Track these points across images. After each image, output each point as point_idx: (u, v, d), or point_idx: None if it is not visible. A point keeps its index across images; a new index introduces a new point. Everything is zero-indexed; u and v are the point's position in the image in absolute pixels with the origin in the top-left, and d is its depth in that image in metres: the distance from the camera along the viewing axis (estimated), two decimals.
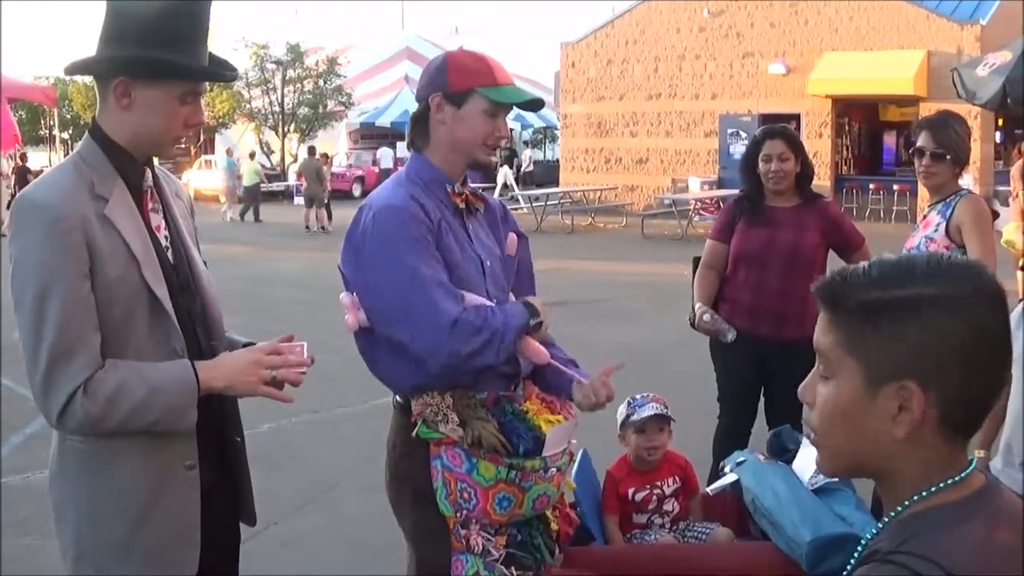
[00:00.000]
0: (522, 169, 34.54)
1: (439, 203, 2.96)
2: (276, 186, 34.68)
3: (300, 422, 7.88)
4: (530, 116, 43.68)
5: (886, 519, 1.45)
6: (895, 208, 25.42)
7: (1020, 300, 4.29)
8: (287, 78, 39.49)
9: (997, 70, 11.18)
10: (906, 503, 1.43)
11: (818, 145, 26.32)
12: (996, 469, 3.72)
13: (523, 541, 2.99)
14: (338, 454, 7.18)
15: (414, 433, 2.91)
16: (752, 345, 4.99)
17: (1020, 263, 10.04)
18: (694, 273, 5.30)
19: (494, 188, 30.92)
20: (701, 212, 23.85)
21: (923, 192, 4.76)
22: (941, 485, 1.42)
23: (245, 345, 2.75)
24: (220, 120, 39.73)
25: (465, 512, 2.90)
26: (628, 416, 4.01)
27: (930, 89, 25.26)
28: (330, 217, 25.34)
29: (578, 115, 31.71)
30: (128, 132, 2.52)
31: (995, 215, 4.99)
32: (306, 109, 39.73)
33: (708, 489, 4.20)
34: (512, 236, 3.22)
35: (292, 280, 15.98)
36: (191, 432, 2.52)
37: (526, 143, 40.82)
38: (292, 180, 32.31)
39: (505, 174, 32.88)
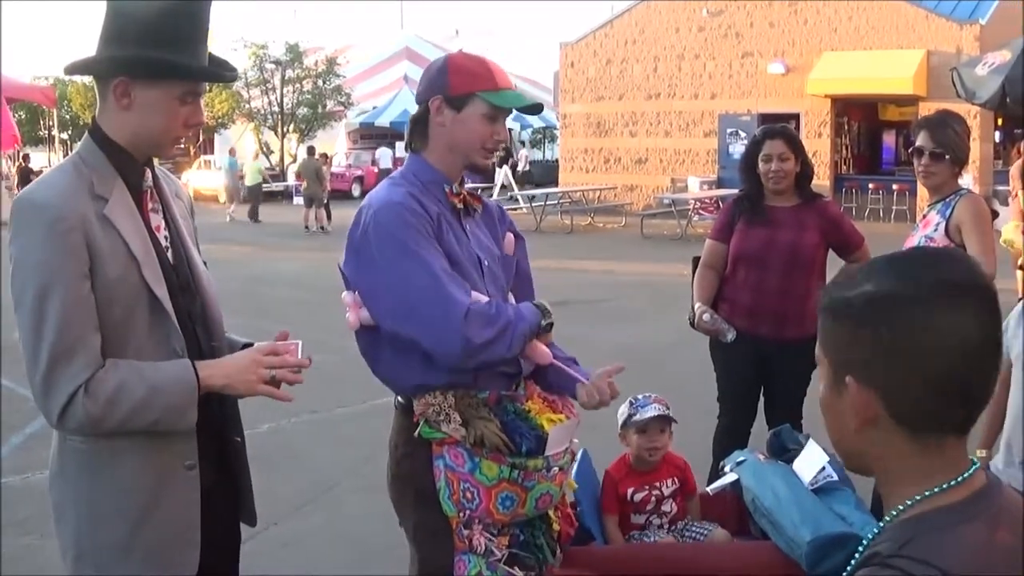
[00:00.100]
0: (518, 168, 34.55)
1: (437, 203, 2.97)
2: (275, 186, 34.68)
3: (300, 422, 7.88)
4: (529, 116, 43.81)
5: (886, 520, 1.45)
6: (894, 207, 25.42)
7: (1020, 299, 4.29)
8: (286, 78, 39.48)
9: (996, 69, 11.18)
10: (907, 503, 1.43)
11: (817, 145, 26.32)
12: (997, 468, 3.73)
13: (526, 541, 2.99)
14: (338, 454, 7.18)
15: (416, 433, 2.91)
16: (752, 345, 4.99)
17: (1019, 262, 10.05)
18: (693, 273, 5.30)
19: (491, 188, 30.93)
20: (700, 212, 23.86)
21: (922, 191, 4.76)
22: (943, 487, 1.41)
23: (245, 346, 2.75)
24: (219, 120, 39.72)
25: (468, 512, 2.90)
26: (630, 416, 4.01)
27: (929, 89, 25.26)
28: (329, 217, 25.34)
29: (577, 115, 31.71)
30: (128, 132, 2.52)
31: (994, 214, 4.99)
32: (305, 109, 39.73)
33: (708, 489, 4.20)
34: (509, 236, 3.23)
35: (292, 280, 15.98)
36: (191, 432, 2.52)
37: (522, 142, 40.81)
38: (291, 180, 32.29)
39: (505, 174, 32.86)
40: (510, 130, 41.98)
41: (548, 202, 26.22)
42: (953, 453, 1.43)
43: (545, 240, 20.33)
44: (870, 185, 26.69)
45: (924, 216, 4.95)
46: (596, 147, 31.43)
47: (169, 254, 2.62)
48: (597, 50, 31.13)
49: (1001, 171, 23.18)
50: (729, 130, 29.00)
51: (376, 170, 37.17)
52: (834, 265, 4.89)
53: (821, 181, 24.33)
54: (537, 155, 47.56)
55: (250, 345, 2.72)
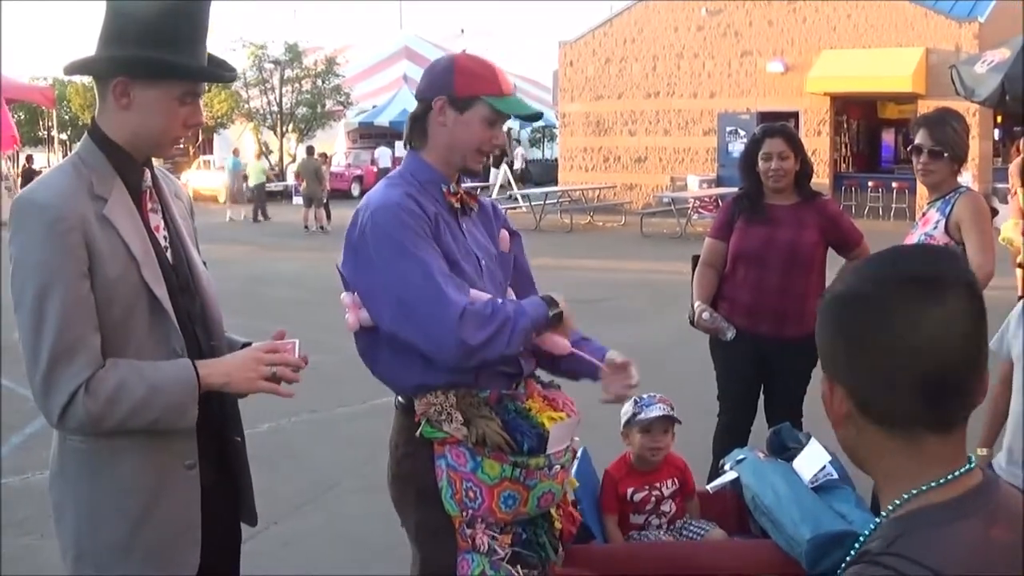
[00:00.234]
0: (514, 167, 34.55)
1: (435, 202, 2.97)
2: (275, 186, 34.70)
3: (300, 422, 7.88)
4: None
5: (881, 517, 1.45)
6: (894, 205, 25.43)
7: (1020, 298, 4.29)
8: (285, 78, 39.48)
9: (995, 67, 11.18)
10: (898, 501, 1.43)
11: (817, 143, 26.33)
12: (1000, 467, 3.73)
13: (528, 540, 2.99)
14: (338, 454, 7.18)
15: (418, 433, 2.91)
16: (752, 343, 5.00)
17: (1018, 260, 10.05)
18: (693, 271, 5.30)
19: (488, 188, 30.92)
20: (700, 210, 23.85)
21: (922, 189, 4.76)
22: (932, 484, 1.41)
23: (244, 345, 2.75)
24: (218, 120, 39.72)
25: (471, 511, 2.90)
26: (634, 415, 4.00)
27: (928, 86, 25.27)
28: (329, 217, 25.34)
29: (576, 114, 31.72)
30: (127, 132, 2.52)
31: (994, 212, 4.99)
32: (304, 109, 39.72)
33: (708, 487, 4.20)
34: (504, 233, 3.23)
35: (291, 280, 15.99)
36: (191, 431, 2.52)
37: (517, 141, 40.78)
38: (291, 180, 32.30)
39: (504, 173, 32.86)
40: (509, 129, 42.09)
41: (547, 201, 26.23)
42: (939, 450, 1.42)
43: (545, 239, 20.33)
44: (869, 183, 26.69)
45: (923, 214, 4.95)
46: (595, 146, 31.44)
47: (168, 254, 2.62)
48: (596, 49, 31.13)
49: (1000, 169, 23.20)
50: (728, 129, 29.00)
51: (375, 169, 37.17)
52: (833, 263, 4.91)
53: (820, 179, 24.33)
54: (536, 154, 47.60)
55: (249, 345, 2.73)
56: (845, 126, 29.35)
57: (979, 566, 1.34)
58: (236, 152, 31.87)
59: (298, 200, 28.70)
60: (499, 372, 2.95)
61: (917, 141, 4.81)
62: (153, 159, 2.65)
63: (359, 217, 2.93)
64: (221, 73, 2.65)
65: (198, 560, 2.58)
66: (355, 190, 35.27)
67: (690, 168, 29.52)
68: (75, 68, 2.61)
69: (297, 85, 39.75)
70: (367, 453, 6.56)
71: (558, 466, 2.97)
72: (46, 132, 39.43)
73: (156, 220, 2.62)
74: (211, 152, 41.43)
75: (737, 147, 27.67)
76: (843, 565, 1.43)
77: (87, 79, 3.06)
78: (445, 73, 2.98)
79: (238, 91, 38.59)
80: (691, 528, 3.98)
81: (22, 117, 38.90)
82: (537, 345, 2.98)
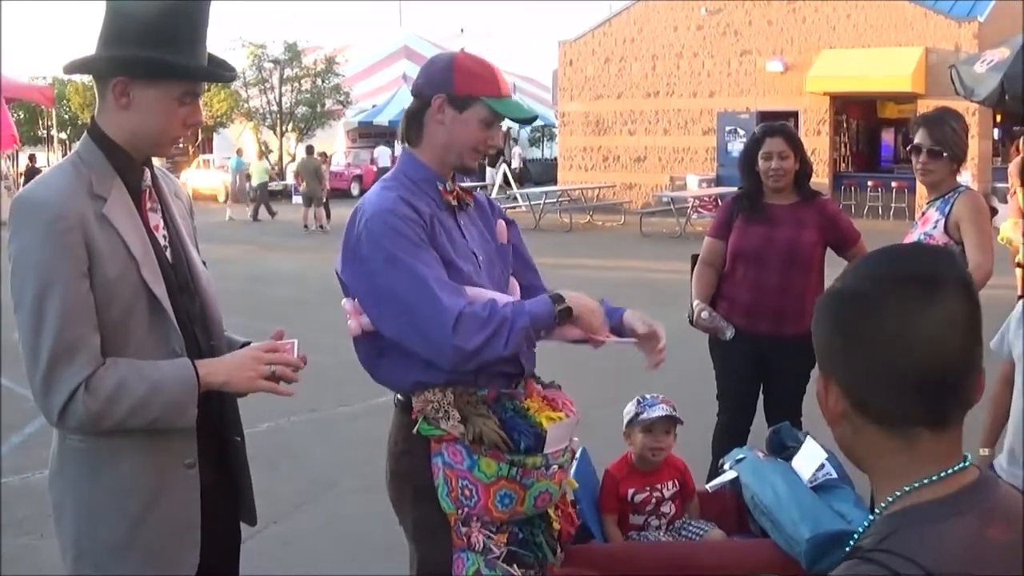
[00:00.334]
0: (511, 167, 34.49)
1: (430, 201, 2.96)
2: (275, 185, 34.72)
3: (300, 421, 7.88)
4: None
5: (874, 515, 1.46)
6: (893, 205, 25.43)
7: (1019, 297, 4.29)
8: (285, 77, 39.47)
9: (995, 67, 11.18)
10: (890, 499, 1.43)
11: (816, 143, 26.33)
12: (1001, 468, 3.72)
13: (525, 539, 2.98)
14: (338, 453, 7.18)
15: (415, 430, 2.91)
16: (751, 342, 5.00)
17: (1017, 259, 10.05)
18: (692, 271, 5.30)
19: (486, 188, 30.90)
20: (699, 210, 23.85)
21: (921, 189, 4.76)
22: (925, 481, 1.41)
23: (243, 345, 2.75)
24: (218, 120, 39.73)
25: (466, 509, 2.90)
26: (637, 415, 4.00)
27: (928, 86, 25.28)
28: (328, 216, 25.33)
29: (576, 113, 31.71)
30: (127, 132, 2.52)
31: (993, 212, 4.99)
32: (304, 108, 39.72)
33: (708, 486, 4.20)
34: (500, 223, 3.23)
35: (291, 279, 15.98)
36: (191, 431, 2.52)
37: (515, 140, 40.75)
38: (290, 180, 32.30)
39: (503, 172, 32.85)
40: (508, 128, 42.08)
41: (547, 200, 26.23)
42: (934, 448, 1.42)
43: (544, 238, 20.33)
44: (869, 183, 26.69)
45: (923, 213, 4.95)
46: (595, 145, 31.43)
47: (168, 254, 2.62)
48: (596, 48, 31.13)
49: (1000, 168, 23.21)
50: (728, 128, 29.00)
51: (375, 169, 37.15)
52: (832, 263, 4.91)
53: (820, 179, 24.35)
54: (536, 153, 47.56)
55: (249, 344, 2.73)
56: (845, 126, 29.36)
57: (973, 564, 1.33)
58: (240, 152, 31.88)
59: (298, 199, 28.71)
60: (499, 371, 2.95)
61: (916, 141, 4.82)
62: (153, 158, 2.66)
63: (355, 222, 2.92)
64: (221, 73, 2.65)
65: (197, 560, 2.58)
66: (355, 189, 35.26)
67: (689, 167, 29.52)
68: (75, 67, 2.61)
69: (296, 84, 39.75)
70: (367, 453, 6.55)
71: (556, 466, 2.96)
72: (45, 131, 39.42)
73: (156, 219, 2.62)
74: (211, 151, 41.42)
75: (736, 146, 27.66)
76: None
77: (87, 78, 3.06)
78: (445, 71, 2.98)
79: (237, 90, 38.59)
80: (690, 528, 3.98)
81: (21, 116, 38.89)
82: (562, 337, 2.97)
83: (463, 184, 3.17)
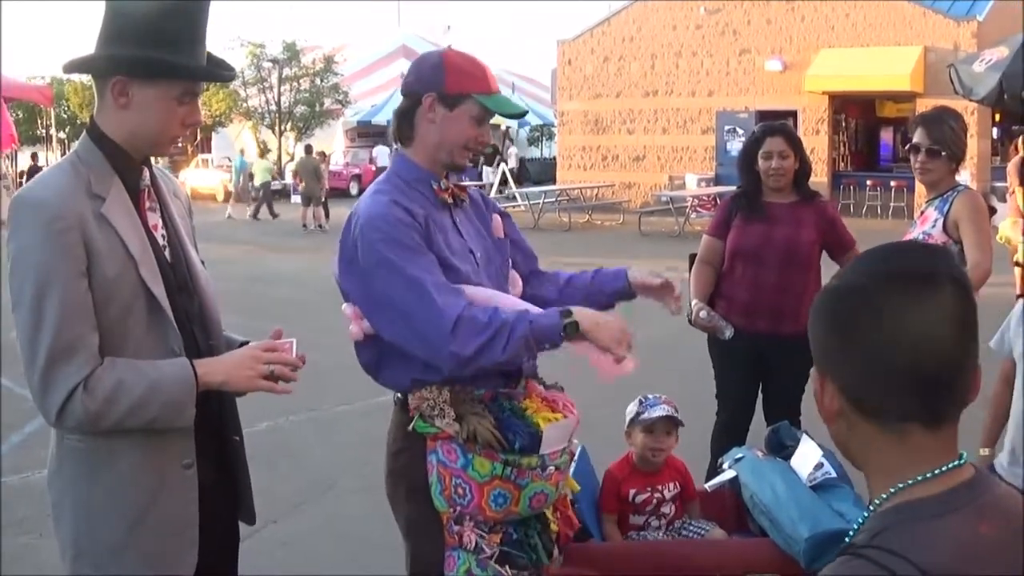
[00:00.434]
0: (506, 166, 34.37)
1: (425, 201, 2.96)
2: (274, 184, 34.71)
3: (299, 420, 7.88)
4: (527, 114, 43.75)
5: (868, 511, 1.46)
6: (892, 204, 25.44)
7: (1018, 296, 4.29)
8: (283, 76, 39.46)
9: (994, 66, 11.16)
10: (884, 496, 1.43)
11: (815, 142, 26.33)
12: (1002, 467, 3.72)
13: (519, 540, 2.97)
14: (337, 453, 7.18)
15: (410, 427, 2.92)
16: (749, 341, 4.99)
17: (1015, 258, 10.05)
18: (690, 270, 5.30)
19: (484, 187, 30.88)
20: (698, 209, 23.85)
21: (920, 188, 4.77)
22: (919, 478, 1.41)
23: (242, 344, 2.75)
24: (217, 119, 39.71)
25: (459, 508, 2.90)
26: (638, 414, 4.00)
27: (927, 85, 25.29)
28: (327, 215, 25.32)
29: (575, 112, 31.71)
30: (126, 131, 2.52)
31: (992, 211, 4.99)
32: (303, 107, 39.71)
33: (706, 486, 4.20)
34: (495, 218, 3.23)
35: (290, 279, 15.97)
36: (189, 431, 2.52)
37: (511, 140, 40.73)
38: (288, 179, 32.30)
39: (503, 172, 32.84)
40: (507, 128, 42.08)
41: (546, 200, 26.23)
42: (928, 445, 1.42)
43: (543, 238, 20.32)
44: (868, 182, 26.70)
45: (922, 212, 4.96)
46: (594, 144, 31.43)
47: (167, 253, 2.62)
48: (595, 47, 31.13)
49: (998, 167, 23.20)
50: (727, 127, 29.01)
51: (373, 168, 37.13)
52: (829, 263, 4.92)
53: (819, 178, 24.33)
54: (535, 153, 47.54)
55: (247, 344, 2.73)
56: (843, 125, 29.36)
57: (967, 561, 1.33)
58: (243, 151, 31.90)
59: (296, 199, 28.72)
60: (496, 371, 2.94)
61: (915, 140, 4.82)
62: (152, 158, 2.66)
63: (351, 229, 2.91)
64: (220, 73, 2.65)
65: (196, 559, 2.58)
66: (353, 189, 35.25)
67: (688, 167, 29.52)
68: (74, 66, 2.61)
69: (295, 84, 39.76)
70: (366, 452, 6.55)
71: (552, 467, 2.94)
72: (44, 131, 39.41)
73: (154, 219, 2.62)
74: (209, 151, 41.42)
75: (735, 146, 27.66)
76: None
77: (85, 78, 3.06)
78: (435, 69, 2.97)
79: (236, 90, 38.60)
80: (690, 528, 3.98)
81: (20, 116, 38.85)
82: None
83: (459, 183, 3.17)
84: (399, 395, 3.01)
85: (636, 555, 3.68)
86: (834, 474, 3.83)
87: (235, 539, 2.89)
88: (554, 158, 36.02)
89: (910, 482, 1.41)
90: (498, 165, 34.31)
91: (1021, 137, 11.84)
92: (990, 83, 11.04)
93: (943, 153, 4.74)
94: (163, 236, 2.64)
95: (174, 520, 2.55)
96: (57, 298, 2.33)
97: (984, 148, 26.30)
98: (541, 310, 2.86)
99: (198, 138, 40.93)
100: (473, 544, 2.89)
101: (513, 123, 42.67)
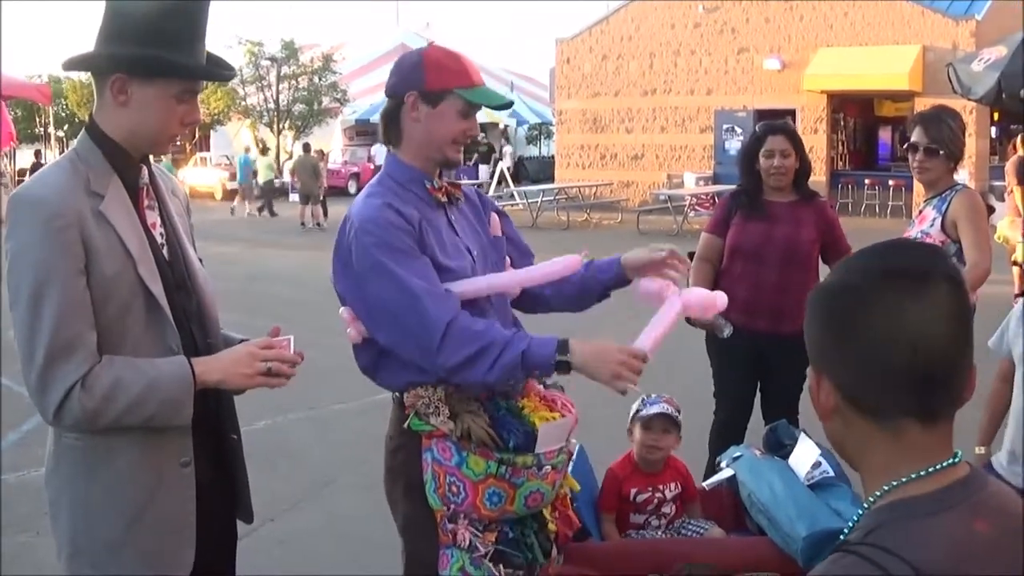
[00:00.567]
0: (500, 165, 34.33)
1: (418, 202, 2.96)
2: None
3: (296, 419, 7.88)
4: (525, 112, 43.74)
5: (862, 509, 1.46)
6: (890, 203, 25.45)
7: (1016, 295, 4.29)
8: (282, 75, 39.44)
9: (992, 65, 11.16)
10: (878, 493, 1.43)
11: (813, 140, 26.33)
12: (1001, 466, 3.72)
13: (515, 539, 2.96)
14: (334, 451, 7.17)
15: (406, 425, 2.92)
16: (749, 340, 4.99)
17: (1013, 257, 10.06)
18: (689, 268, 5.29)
19: (481, 186, 30.86)
20: (696, 208, 23.85)
21: (918, 187, 4.77)
22: (913, 476, 1.41)
23: (240, 342, 2.75)
24: (215, 117, 39.69)
25: (453, 506, 2.89)
26: (638, 411, 4.03)
27: (925, 84, 25.30)
28: (326, 214, 25.31)
29: (573, 111, 31.70)
30: (125, 129, 2.52)
31: (990, 210, 5.00)
32: (301, 106, 39.68)
33: (704, 484, 4.20)
34: (493, 216, 3.23)
35: (288, 277, 15.97)
36: (187, 429, 2.52)
37: (506, 140, 40.68)
38: (287, 178, 32.29)
39: (500, 171, 32.82)
40: (505, 127, 42.05)
41: (544, 198, 26.23)
42: (923, 442, 1.43)
43: (541, 236, 20.30)
44: (866, 181, 26.72)
45: (920, 212, 4.96)
46: (592, 143, 31.43)
47: (165, 251, 2.62)
48: (593, 46, 31.12)
49: (997, 167, 23.19)
50: (725, 126, 29.01)
51: (372, 166, 37.09)
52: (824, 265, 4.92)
53: (817, 177, 24.27)
54: (533, 151, 47.52)
55: (245, 341, 2.72)
56: (842, 124, 29.37)
57: (961, 559, 1.33)
58: (247, 149, 31.92)
59: (295, 197, 28.72)
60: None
61: (913, 139, 4.82)
62: (150, 156, 2.65)
63: (345, 233, 2.91)
64: (219, 72, 2.65)
65: (193, 557, 2.58)
66: (352, 187, 35.22)
67: (687, 165, 29.52)
68: (74, 64, 2.61)
69: (294, 82, 39.74)
70: (363, 451, 6.54)
71: (548, 467, 2.94)
72: (42, 129, 39.38)
73: (153, 217, 2.62)
74: (207, 149, 41.40)
75: (734, 144, 27.69)
76: None
77: (84, 75, 3.06)
78: (415, 68, 2.97)
79: (235, 88, 38.57)
80: (689, 527, 3.98)
81: (18, 114, 38.82)
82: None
83: (454, 181, 3.16)
84: (397, 393, 3.01)
85: (634, 554, 3.68)
86: (832, 473, 3.83)
87: (233, 537, 2.88)
88: (552, 157, 36.00)
89: (904, 480, 1.41)
90: (495, 164, 34.27)
91: (1019, 136, 11.85)
92: (988, 82, 11.04)
93: (941, 152, 4.75)
94: (161, 234, 2.64)
95: (172, 518, 2.55)
96: (55, 296, 2.33)
97: (982, 147, 26.32)
98: (536, 336, 2.83)
99: (196, 136, 40.89)
100: (467, 542, 2.89)
101: (512, 122, 42.66)
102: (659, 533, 3.95)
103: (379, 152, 39.10)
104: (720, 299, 3.10)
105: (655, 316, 2.97)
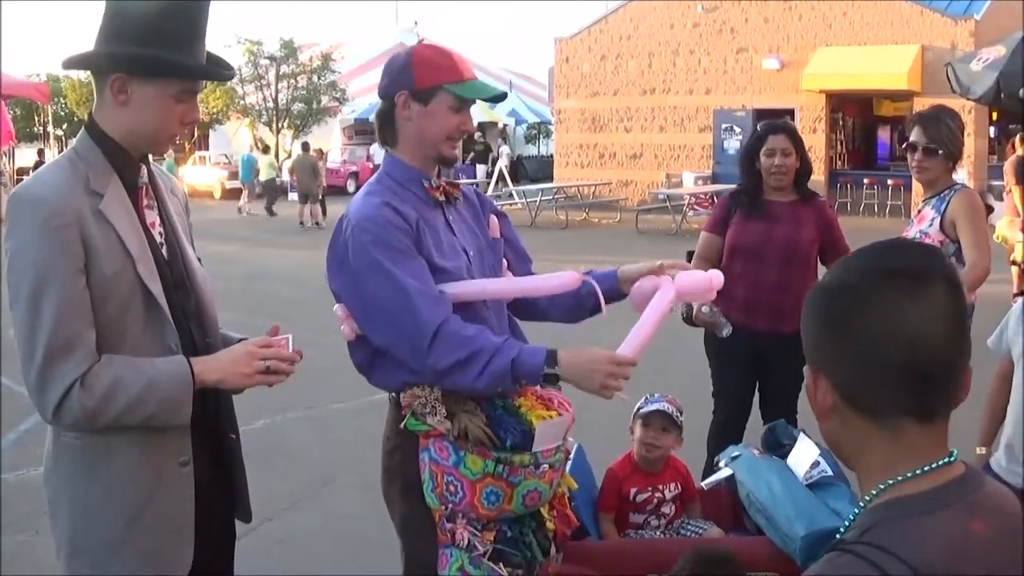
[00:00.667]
0: (497, 165, 34.24)
1: (417, 201, 2.96)
2: None
3: (295, 418, 7.88)
4: (524, 111, 43.70)
5: (859, 508, 1.46)
6: (889, 203, 25.44)
7: (1014, 295, 4.30)
8: (281, 74, 39.42)
9: (991, 65, 11.17)
10: (874, 491, 1.44)
11: (812, 140, 26.30)
12: (1000, 466, 3.72)
13: (513, 538, 2.96)
14: (334, 450, 7.18)
15: (402, 425, 2.92)
16: (748, 340, 4.99)
17: (1012, 257, 10.06)
18: None
19: (478, 186, 30.83)
20: (695, 207, 23.84)
21: (917, 187, 4.77)
22: (909, 475, 1.41)
23: (239, 341, 2.75)
24: (214, 116, 39.67)
25: (451, 505, 2.90)
26: (639, 408, 4.04)
27: (924, 84, 25.28)
28: (324, 213, 25.30)
29: (572, 110, 31.68)
30: (124, 128, 2.52)
31: (989, 210, 5.00)
32: (300, 105, 39.66)
33: (703, 484, 4.20)
34: (492, 218, 3.23)
35: (287, 277, 15.96)
36: (186, 428, 2.52)
37: (502, 139, 40.62)
38: (286, 176, 32.30)
39: (500, 169, 32.79)
40: (504, 126, 42.01)
41: (543, 198, 26.21)
42: (919, 440, 1.43)
43: (540, 236, 20.32)
44: (865, 180, 26.69)
45: (919, 211, 4.96)
46: (591, 142, 31.41)
47: (164, 251, 2.63)
48: (592, 46, 31.10)
49: (995, 166, 23.18)
50: (724, 126, 28.99)
51: (371, 165, 37.06)
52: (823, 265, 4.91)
53: (816, 176, 23.98)
54: (532, 150, 47.49)
55: (244, 341, 2.72)
56: (841, 123, 29.36)
57: (957, 558, 1.34)
58: (252, 148, 31.93)
59: (293, 196, 28.72)
60: None
61: (912, 138, 4.82)
62: (151, 155, 2.66)
63: (342, 230, 2.92)
64: (219, 72, 2.66)
65: (192, 557, 2.58)
66: (350, 186, 35.21)
67: (685, 165, 29.50)
68: (74, 63, 2.61)
69: (292, 81, 39.70)
70: (363, 450, 6.53)
71: (546, 465, 2.94)
72: (41, 128, 39.37)
73: (152, 217, 2.63)
74: (207, 148, 41.38)
75: (732, 144, 27.68)
76: None
77: (82, 74, 3.06)
78: (403, 68, 2.97)
79: (233, 87, 38.51)
80: (689, 527, 3.98)
81: (17, 113, 38.82)
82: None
83: (452, 181, 3.16)
84: (393, 393, 3.01)
85: (633, 553, 3.68)
86: (830, 472, 3.83)
87: (231, 537, 2.89)
88: (551, 156, 35.98)
89: (900, 478, 1.42)
90: (494, 164, 34.23)
91: (1018, 136, 11.86)
92: (987, 82, 11.05)
93: (940, 152, 4.75)
94: (160, 234, 2.64)
95: (171, 517, 2.55)
96: (55, 295, 2.33)
97: (981, 147, 26.30)
98: (528, 346, 2.86)
99: (195, 135, 40.87)
100: (466, 542, 2.89)
101: (510, 121, 42.61)
102: (658, 533, 3.96)
103: (378, 151, 39.04)
104: (716, 278, 3.09)
105: (646, 310, 2.97)
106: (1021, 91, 10.43)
